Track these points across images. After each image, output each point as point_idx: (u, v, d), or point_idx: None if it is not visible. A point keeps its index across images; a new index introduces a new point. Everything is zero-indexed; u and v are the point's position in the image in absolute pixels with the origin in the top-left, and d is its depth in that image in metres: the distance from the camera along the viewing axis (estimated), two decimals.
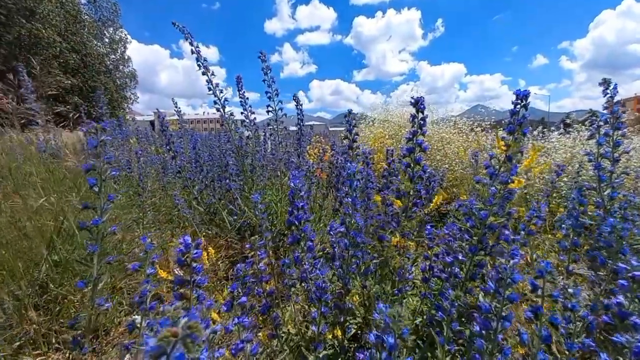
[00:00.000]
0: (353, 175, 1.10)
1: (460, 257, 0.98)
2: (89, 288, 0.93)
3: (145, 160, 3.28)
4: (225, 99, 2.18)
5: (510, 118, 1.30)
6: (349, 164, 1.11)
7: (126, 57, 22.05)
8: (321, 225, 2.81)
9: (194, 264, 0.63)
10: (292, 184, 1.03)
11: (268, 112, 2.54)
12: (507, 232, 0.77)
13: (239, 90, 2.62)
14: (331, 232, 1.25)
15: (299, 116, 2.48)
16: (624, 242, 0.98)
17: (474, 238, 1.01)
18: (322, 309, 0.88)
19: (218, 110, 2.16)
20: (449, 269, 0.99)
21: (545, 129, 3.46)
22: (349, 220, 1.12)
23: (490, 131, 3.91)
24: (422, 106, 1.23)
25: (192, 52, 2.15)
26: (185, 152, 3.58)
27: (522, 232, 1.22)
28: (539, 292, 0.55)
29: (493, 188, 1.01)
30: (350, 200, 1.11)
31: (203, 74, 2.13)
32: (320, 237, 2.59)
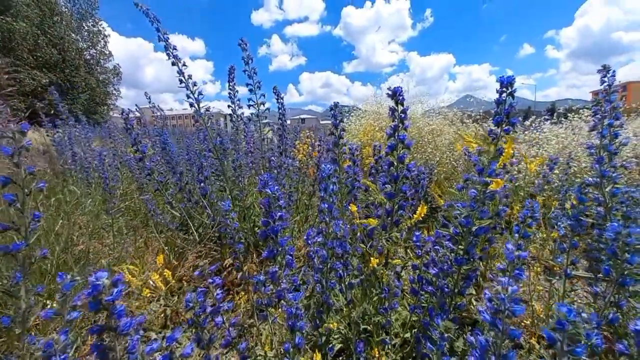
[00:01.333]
0: (328, 178, 0.97)
1: (446, 269, 0.86)
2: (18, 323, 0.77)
3: (111, 162, 3.08)
4: (200, 93, 2.00)
5: (496, 108, 1.18)
6: (323, 165, 0.97)
7: (107, 52, 21.23)
8: (307, 226, 2.68)
9: (115, 307, 0.49)
10: (268, 190, 0.89)
11: (250, 106, 2.38)
12: (510, 246, 0.65)
13: (229, 82, 2.43)
14: (308, 242, 1.12)
15: (280, 110, 2.32)
16: (631, 250, 0.87)
17: (460, 247, 0.90)
18: (297, 340, 0.75)
19: (191, 105, 1.98)
20: (436, 282, 0.87)
21: (538, 119, 3.38)
22: (326, 229, 0.99)
23: (480, 122, 3.81)
24: (401, 97, 1.09)
25: (160, 40, 1.96)
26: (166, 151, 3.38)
27: (516, 235, 1.11)
28: (558, 345, 0.43)
29: (472, 190, 0.89)
30: (326, 206, 0.97)
31: (173, 64, 1.94)
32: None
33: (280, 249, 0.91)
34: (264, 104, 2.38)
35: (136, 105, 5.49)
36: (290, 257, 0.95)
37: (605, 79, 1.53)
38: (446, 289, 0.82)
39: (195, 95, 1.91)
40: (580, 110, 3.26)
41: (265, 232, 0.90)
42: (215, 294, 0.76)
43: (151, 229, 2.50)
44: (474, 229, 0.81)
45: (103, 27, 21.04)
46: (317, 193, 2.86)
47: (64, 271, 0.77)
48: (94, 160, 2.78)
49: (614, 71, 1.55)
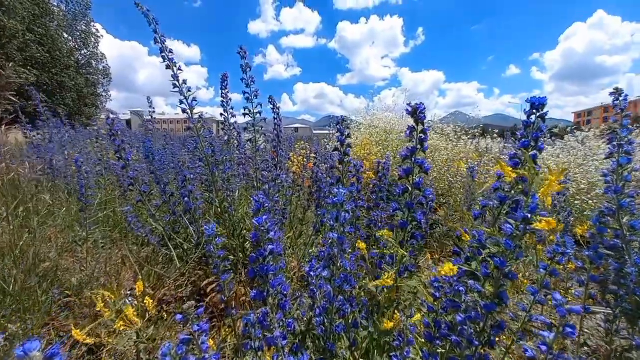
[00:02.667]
0: (341, 206, 0.84)
1: (474, 316, 0.74)
2: None
3: (91, 169, 2.89)
4: (194, 99, 1.87)
5: (523, 131, 1.09)
6: (336, 189, 0.85)
7: (99, 53, 20.89)
8: (301, 242, 2.53)
9: None
10: (255, 222, 0.76)
11: (245, 115, 2.26)
12: (558, 297, 0.54)
13: (222, 90, 2.32)
14: (311, 273, 0.99)
15: (275, 121, 2.20)
16: None
17: (489, 290, 0.78)
18: None
19: (184, 111, 1.84)
20: (460, 330, 0.75)
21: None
22: (335, 265, 0.86)
23: (476, 138, 3.79)
24: (422, 116, 0.99)
25: (156, 42, 1.83)
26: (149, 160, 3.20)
27: (543, 271, 1.01)
28: None
29: (508, 226, 0.77)
30: (335, 237, 0.84)
31: (167, 67, 1.81)
32: (301, 256, 2.32)
33: (272, 291, 0.78)
34: (260, 113, 2.27)
35: (130, 111, 5.28)
36: (284, 298, 0.81)
37: (618, 102, 1.48)
38: (475, 341, 0.70)
39: (189, 101, 1.78)
40: (577, 132, 3.27)
41: (254, 270, 0.76)
42: (201, 345, 0.61)
43: (131, 242, 2.30)
44: (507, 270, 0.70)
45: (96, 29, 20.76)
46: (312, 207, 2.73)
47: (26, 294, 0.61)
48: (72, 165, 2.58)
49: (626, 95, 1.50)
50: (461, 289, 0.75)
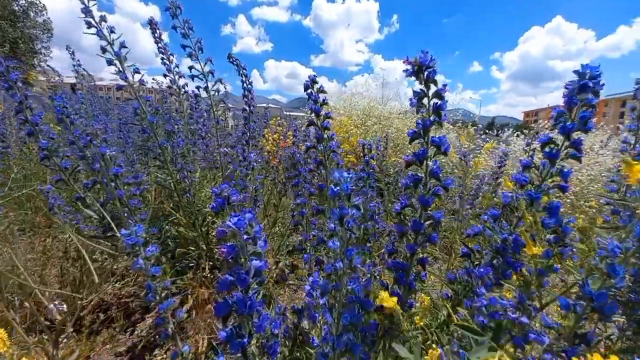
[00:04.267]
0: (347, 199, 0.53)
1: None
2: None
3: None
4: (123, 45, 1.39)
5: (564, 109, 0.85)
6: (338, 173, 0.53)
7: (39, 4, 17.95)
8: (276, 231, 2.23)
9: None
10: (230, 225, 0.43)
11: (192, 77, 1.78)
12: None
13: (156, 42, 1.81)
14: (308, 297, 0.69)
15: (245, 86, 1.79)
16: None
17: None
18: None
19: (109, 63, 1.35)
20: None
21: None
22: (340, 290, 0.56)
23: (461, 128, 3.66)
24: (432, 73, 0.69)
25: None
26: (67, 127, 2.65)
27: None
28: None
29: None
30: (337, 246, 0.54)
31: None
32: (276, 249, 2.02)
33: (255, 334, 0.47)
34: (212, 73, 1.81)
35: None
36: (273, 340, 0.50)
37: None
38: None
39: (115, 48, 1.32)
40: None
41: (227, 305, 0.44)
42: None
43: (58, 229, 1.83)
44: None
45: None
46: (289, 193, 2.41)
47: None
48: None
49: None
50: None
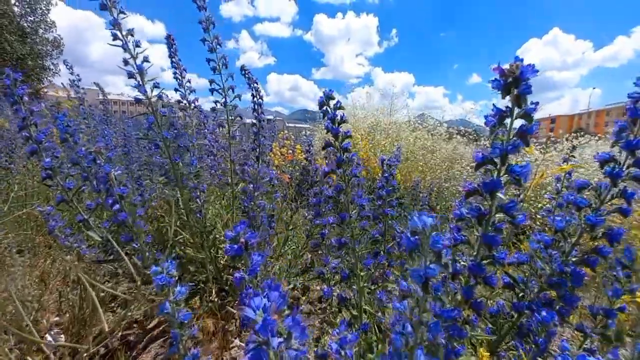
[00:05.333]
0: (436, 257, 0.42)
1: None
2: None
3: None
4: (146, 59, 1.36)
5: (627, 123, 0.77)
6: (418, 220, 0.42)
7: (49, 21, 18.42)
8: (288, 250, 2.11)
9: None
10: (252, 316, 0.32)
11: (212, 90, 1.75)
12: None
13: (171, 57, 1.78)
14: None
15: (255, 100, 1.71)
16: None
17: None
18: None
19: (130, 76, 1.31)
20: None
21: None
22: None
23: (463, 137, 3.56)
24: (526, 88, 0.59)
25: None
26: (70, 146, 2.60)
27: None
28: None
29: None
30: (410, 338, 0.43)
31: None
32: (287, 269, 1.90)
33: None
34: (233, 89, 1.77)
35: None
36: None
37: None
38: None
39: (137, 62, 1.27)
40: None
41: None
42: None
43: (62, 250, 1.73)
44: None
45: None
46: (300, 210, 2.31)
47: None
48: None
49: None
50: None
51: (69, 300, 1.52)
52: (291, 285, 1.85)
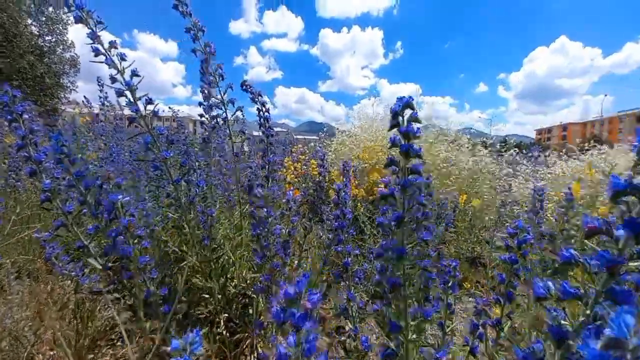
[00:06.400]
0: None
1: None
2: None
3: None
4: (135, 73, 1.23)
5: None
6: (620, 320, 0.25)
7: (67, 40, 19.16)
8: (299, 272, 1.96)
9: None
10: None
11: (211, 107, 1.63)
12: None
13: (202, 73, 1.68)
14: None
15: (261, 114, 1.59)
16: None
17: None
18: None
19: (119, 94, 1.19)
20: None
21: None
22: None
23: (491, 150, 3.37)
24: None
25: None
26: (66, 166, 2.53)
27: None
28: None
29: None
30: None
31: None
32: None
33: None
34: (233, 102, 1.66)
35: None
36: None
37: None
38: None
39: (125, 77, 1.16)
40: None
41: None
42: None
43: (59, 276, 1.62)
44: None
45: (67, 15, 19.01)
46: (314, 231, 2.18)
47: None
48: None
49: None
50: None
51: (66, 333, 1.39)
52: None
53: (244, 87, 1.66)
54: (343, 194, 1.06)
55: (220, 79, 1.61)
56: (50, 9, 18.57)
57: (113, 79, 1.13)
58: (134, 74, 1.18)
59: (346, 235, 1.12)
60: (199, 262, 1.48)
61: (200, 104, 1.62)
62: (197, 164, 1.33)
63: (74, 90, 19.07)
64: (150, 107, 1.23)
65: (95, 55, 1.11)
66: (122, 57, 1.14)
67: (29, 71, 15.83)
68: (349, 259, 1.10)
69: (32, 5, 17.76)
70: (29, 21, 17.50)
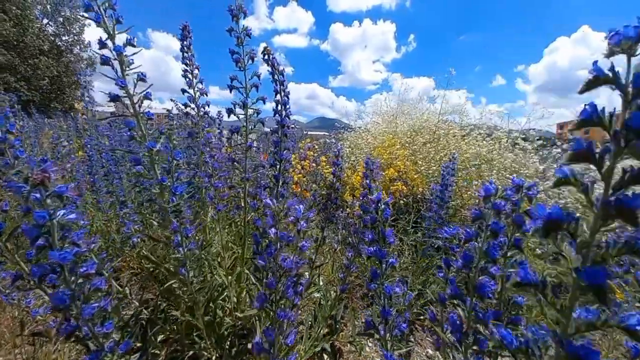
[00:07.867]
0: None
1: None
2: None
3: None
4: (131, 42, 1.00)
5: None
6: None
7: (84, 40, 19.39)
8: (313, 292, 1.61)
9: None
10: None
11: (231, 88, 1.36)
12: None
13: (183, 50, 1.49)
14: None
15: (279, 95, 1.30)
16: None
17: None
18: None
19: (104, 61, 0.94)
20: None
21: None
22: None
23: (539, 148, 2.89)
24: None
25: None
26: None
27: None
28: None
29: None
30: None
31: None
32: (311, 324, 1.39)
33: None
34: (257, 87, 1.37)
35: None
36: None
37: None
38: None
39: (117, 42, 0.89)
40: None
41: None
42: None
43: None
44: None
45: (83, 15, 19.22)
46: (326, 240, 1.83)
47: None
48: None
49: None
50: None
51: None
52: (317, 349, 1.34)
53: (265, 54, 1.34)
54: (382, 206, 0.70)
55: (250, 61, 1.34)
56: (67, 9, 18.85)
57: (102, 44, 0.90)
58: (129, 42, 0.97)
59: (385, 268, 0.75)
60: (184, 295, 1.14)
61: (183, 91, 1.35)
62: (174, 163, 0.98)
63: (91, 89, 19.37)
64: (141, 86, 0.96)
65: (86, 11, 0.91)
66: (118, 20, 0.95)
67: (46, 70, 16.08)
68: (389, 305, 0.73)
69: (49, 6, 18.08)
70: (45, 21, 17.80)
